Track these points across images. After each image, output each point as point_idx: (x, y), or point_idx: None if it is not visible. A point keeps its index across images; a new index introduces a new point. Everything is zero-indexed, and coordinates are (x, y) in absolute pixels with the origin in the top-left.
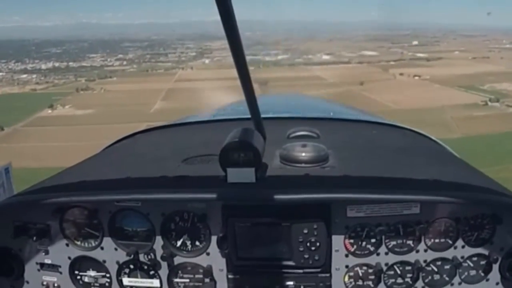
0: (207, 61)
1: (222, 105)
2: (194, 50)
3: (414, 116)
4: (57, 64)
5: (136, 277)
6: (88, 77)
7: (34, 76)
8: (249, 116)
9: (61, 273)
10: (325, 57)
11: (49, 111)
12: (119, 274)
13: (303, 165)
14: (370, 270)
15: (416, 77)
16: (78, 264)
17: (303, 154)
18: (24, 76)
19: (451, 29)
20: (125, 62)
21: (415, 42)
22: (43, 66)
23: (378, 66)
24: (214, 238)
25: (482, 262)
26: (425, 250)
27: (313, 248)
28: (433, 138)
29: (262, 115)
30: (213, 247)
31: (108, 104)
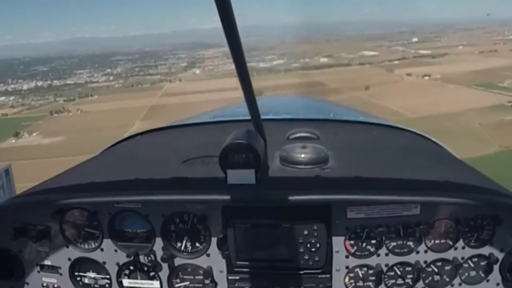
0: (197, 71)
1: (222, 107)
2: (185, 60)
3: (436, 125)
4: (40, 84)
5: (136, 278)
6: (68, 96)
7: (12, 98)
8: (249, 117)
9: (61, 274)
10: (323, 60)
11: (13, 140)
12: (119, 275)
13: (303, 166)
14: (371, 271)
15: (426, 77)
16: (78, 266)
17: (303, 155)
18: (2, 98)
19: (448, 24)
20: (111, 77)
21: (415, 39)
22: (25, 87)
23: (381, 66)
24: (214, 240)
25: (483, 263)
26: (425, 251)
27: (313, 249)
28: (433, 139)
29: (262, 117)
30: (213, 248)
31: (80, 129)
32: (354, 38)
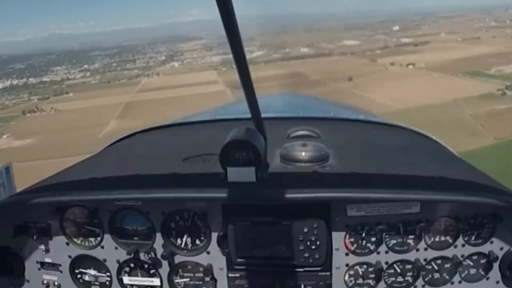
0: (176, 64)
1: (222, 105)
2: (164, 53)
3: (425, 116)
4: (15, 82)
5: (137, 276)
6: (43, 94)
7: None
8: (249, 115)
9: (61, 272)
10: (304, 50)
11: None
12: (119, 273)
13: (303, 164)
14: (370, 269)
15: (410, 66)
16: (79, 263)
17: (303, 153)
18: None
19: (428, 12)
20: (88, 74)
21: (396, 28)
22: (0, 86)
23: (363, 56)
24: (214, 237)
25: (482, 261)
26: (425, 249)
27: (313, 247)
28: (433, 137)
29: (262, 115)
30: (213, 246)
31: (53, 129)
32: (334, 28)
